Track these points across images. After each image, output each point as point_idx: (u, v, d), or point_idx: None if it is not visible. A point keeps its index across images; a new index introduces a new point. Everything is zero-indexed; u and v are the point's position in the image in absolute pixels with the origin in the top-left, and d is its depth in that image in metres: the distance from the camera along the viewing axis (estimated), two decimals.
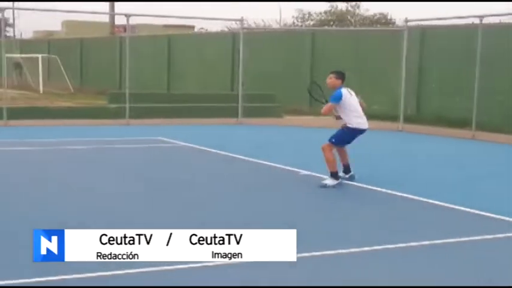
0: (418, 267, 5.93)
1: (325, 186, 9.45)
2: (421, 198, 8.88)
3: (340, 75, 10.01)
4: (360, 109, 9.99)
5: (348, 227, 7.42)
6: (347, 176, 10.03)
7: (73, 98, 27.88)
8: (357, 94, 10.22)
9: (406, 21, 19.12)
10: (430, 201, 8.74)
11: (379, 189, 9.51)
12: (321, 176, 10.20)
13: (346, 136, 9.88)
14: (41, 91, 31.18)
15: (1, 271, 5.41)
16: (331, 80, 9.94)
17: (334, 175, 9.54)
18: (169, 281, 5.25)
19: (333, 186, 9.44)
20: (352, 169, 10.14)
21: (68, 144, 13.86)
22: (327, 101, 9.98)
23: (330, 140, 9.75)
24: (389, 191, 9.35)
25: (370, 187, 9.66)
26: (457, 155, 14.20)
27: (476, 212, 8.14)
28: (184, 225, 7.03)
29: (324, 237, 6.92)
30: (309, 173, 10.75)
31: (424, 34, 20.98)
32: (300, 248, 6.26)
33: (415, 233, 7.09)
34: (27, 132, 15.83)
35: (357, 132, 9.93)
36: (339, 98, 9.74)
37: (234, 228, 4.74)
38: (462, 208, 8.32)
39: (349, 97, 9.88)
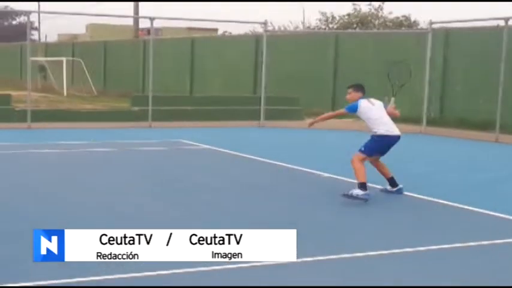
0: (437, 270, 5.84)
1: (350, 196, 8.67)
2: (444, 201, 8.80)
3: (359, 88, 9.70)
4: (386, 117, 9.44)
5: (370, 230, 7.35)
6: (394, 189, 9.35)
7: (96, 100, 28.02)
8: (388, 100, 9.88)
9: (431, 23, 18.96)
10: (453, 204, 8.65)
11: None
12: (343, 178, 10.18)
13: (376, 145, 9.24)
14: (65, 94, 31.39)
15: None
16: (350, 95, 9.64)
17: (362, 186, 8.72)
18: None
19: (362, 199, 8.64)
20: (398, 182, 9.41)
21: (90, 147, 13.89)
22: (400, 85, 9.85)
23: (360, 150, 9.18)
24: (411, 194, 9.26)
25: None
26: (480, 158, 14.06)
27: (500, 215, 8.04)
28: (200, 227, 7.03)
29: (348, 239, 6.88)
30: (330, 175, 10.67)
31: (448, 36, 20.81)
32: (325, 250, 6.30)
33: (436, 236, 7.01)
34: (50, 135, 15.89)
35: (388, 139, 9.27)
36: (353, 110, 9.49)
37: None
38: (485, 211, 8.24)
39: (371, 107, 9.41)
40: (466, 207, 8.47)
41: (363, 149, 9.20)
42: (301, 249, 6.16)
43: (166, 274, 5.30)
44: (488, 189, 10.14)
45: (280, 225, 7.28)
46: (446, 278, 5.65)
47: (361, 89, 9.68)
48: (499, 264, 6.19)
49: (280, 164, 11.92)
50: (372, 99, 9.57)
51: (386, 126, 9.31)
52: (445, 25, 21.14)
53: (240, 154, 13.14)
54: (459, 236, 7.06)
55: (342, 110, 9.86)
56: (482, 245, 6.73)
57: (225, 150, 13.63)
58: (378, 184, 9.58)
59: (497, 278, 5.74)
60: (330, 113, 10.41)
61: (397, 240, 6.85)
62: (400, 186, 9.38)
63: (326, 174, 10.78)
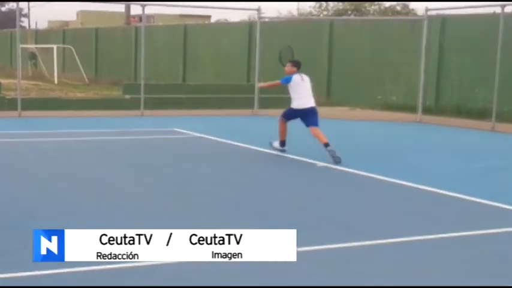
0: (434, 260, 5.68)
1: (271, 144, 11.86)
2: (440, 191, 8.64)
3: (296, 64, 11.55)
4: (306, 92, 11.47)
5: (366, 219, 7.18)
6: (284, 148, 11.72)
7: (88, 88, 27.76)
8: (311, 81, 11.73)
9: (426, 10, 18.74)
10: (449, 193, 8.50)
11: (397, 181, 9.28)
12: (338, 168, 10.08)
13: (292, 113, 11.63)
14: (56, 82, 31.07)
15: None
16: (288, 68, 11.52)
17: (282, 143, 11.71)
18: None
19: (280, 150, 11.65)
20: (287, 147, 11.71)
21: (81, 136, 13.68)
22: (283, 65, 11.56)
23: (281, 115, 11.76)
24: (406, 183, 9.10)
25: (387, 179, 9.42)
26: (476, 147, 13.89)
27: (496, 204, 7.91)
28: (194, 216, 6.90)
29: (343, 229, 6.72)
30: (325, 164, 10.50)
31: (444, 23, 20.58)
32: (319, 241, 6.13)
33: (432, 226, 6.85)
34: (41, 124, 15.67)
35: (301, 111, 11.48)
36: (287, 81, 11.45)
37: (243, 220, 4.46)
38: (483, 201, 8.09)
39: (299, 82, 11.42)
40: (461, 196, 8.31)
41: (283, 115, 11.72)
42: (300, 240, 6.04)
43: (165, 273, 5.19)
44: (485, 178, 9.98)
45: (277, 215, 7.14)
46: (442, 268, 5.49)
47: (297, 65, 11.57)
48: (500, 252, 6.06)
49: (276, 153, 11.74)
50: (304, 75, 11.55)
51: (302, 101, 11.44)
52: (441, 12, 20.92)
53: (234, 143, 12.96)
54: (456, 225, 6.95)
55: (278, 81, 11.74)
56: (479, 235, 6.61)
57: (219, 139, 13.45)
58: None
59: (499, 266, 5.58)
60: (270, 83, 12.26)
61: (392, 230, 6.68)
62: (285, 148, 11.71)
63: (321, 164, 10.60)
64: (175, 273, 5.16)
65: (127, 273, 5.13)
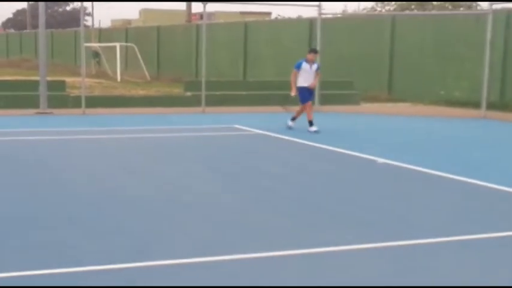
0: (500, 258, 5.53)
1: (287, 125, 14.58)
2: (505, 188, 8.43)
3: (310, 51, 14.54)
4: (310, 76, 14.19)
5: (430, 216, 7.02)
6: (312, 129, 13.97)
7: (150, 86, 28.03)
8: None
9: (491, 3, 18.32)
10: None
11: (461, 178, 9.08)
12: (399, 164, 9.96)
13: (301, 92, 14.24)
14: (119, 79, 31.50)
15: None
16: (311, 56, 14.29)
17: (293, 119, 14.56)
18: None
19: (289, 127, 14.35)
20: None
21: (143, 133, 13.81)
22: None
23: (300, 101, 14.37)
24: (471, 180, 8.91)
25: (452, 176, 9.22)
26: None
27: None
28: (254, 211, 6.88)
29: (408, 226, 6.60)
30: (386, 161, 10.37)
31: (509, 17, 20.10)
32: (379, 237, 6.04)
33: (497, 224, 6.69)
34: (105, 121, 15.88)
35: (304, 88, 14.17)
36: (297, 67, 14.20)
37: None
38: None
39: (308, 69, 14.11)
40: None
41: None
42: (366, 237, 5.97)
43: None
44: None
45: (338, 209, 7.06)
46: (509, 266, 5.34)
47: (311, 52, 14.44)
48: None
49: (337, 150, 11.64)
50: (314, 65, 14.26)
51: (305, 83, 14.15)
52: (506, 5, 20.43)
53: (295, 139, 12.90)
54: None
55: (293, 71, 14.27)
56: None
57: (280, 136, 13.41)
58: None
59: None
60: (292, 77, 14.38)
61: (456, 227, 6.51)
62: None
63: (381, 160, 10.47)
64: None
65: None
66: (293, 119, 14.54)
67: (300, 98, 14.38)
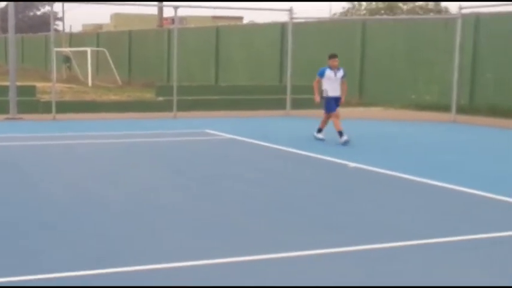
0: (469, 261, 5.60)
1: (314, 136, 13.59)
2: (474, 191, 8.52)
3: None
4: (334, 84, 13.32)
5: (399, 220, 7.10)
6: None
7: (121, 91, 27.92)
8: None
9: (460, 8, 18.51)
10: (483, 193, 8.39)
11: (430, 181, 9.16)
12: (370, 168, 10.01)
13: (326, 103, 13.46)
14: (90, 84, 31.33)
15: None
16: (337, 62, 13.48)
17: (319, 130, 13.62)
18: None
19: (319, 139, 13.40)
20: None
21: (114, 138, 13.75)
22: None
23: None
24: (440, 184, 8.98)
25: (421, 179, 9.30)
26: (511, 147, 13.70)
27: None
28: (226, 215, 6.89)
29: (378, 230, 6.63)
30: (357, 165, 10.42)
31: (478, 21, 20.31)
32: (350, 241, 6.07)
33: (466, 227, 6.76)
34: (75, 126, 15.78)
35: (330, 98, 13.34)
36: (320, 74, 13.40)
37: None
38: None
39: (331, 77, 13.26)
40: (497, 197, 8.18)
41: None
42: (337, 240, 6.00)
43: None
44: None
45: (310, 213, 7.08)
46: (478, 268, 5.41)
47: (331, 58, 13.52)
48: None
49: (309, 154, 11.68)
50: (339, 71, 13.44)
51: (331, 92, 13.30)
52: (475, 10, 20.65)
53: (266, 144, 12.91)
54: (489, 226, 6.85)
55: (316, 78, 13.49)
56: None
57: (251, 140, 13.41)
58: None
59: None
60: (315, 84, 13.63)
61: (425, 230, 6.56)
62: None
63: (352, 164, 10.52)
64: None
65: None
66: (319, 130, 13.57)
67: (325, 107, 13.48)
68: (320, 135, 13.50)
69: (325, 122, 13.56)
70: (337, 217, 7.26)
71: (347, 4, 38.39)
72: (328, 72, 13.32)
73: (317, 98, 13.50)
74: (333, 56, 13.51)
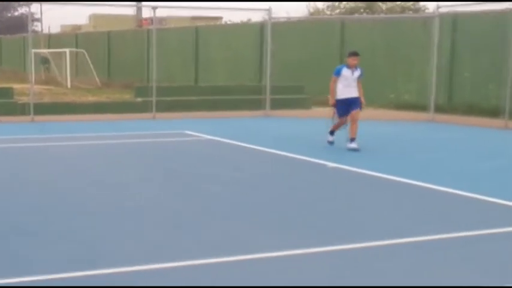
0: (447, 260, 5.62)
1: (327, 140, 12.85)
2: (452, 190, 8.56)
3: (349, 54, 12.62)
4: (351, 85, 12.41)
5: (377, 219, 7.11)
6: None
7: (100, 92, 27.76)
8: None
9: (438, 7, 18.60)
10: (461, 192, 8.44)
11: (409, 181, 9.21)
12: (349, 168, 10.03)
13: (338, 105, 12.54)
14: (69, 86, 31.14)
15: None
16: (357, 61, 12.43)
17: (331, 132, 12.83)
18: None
19: (329, 141, 12.79)
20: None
21: (93, 140, 13.68)
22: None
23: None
24: (419, 183, 9.02)
25: (400, 179, 9.36)
26: (489, 145, 13.77)
27: (509, 203, 7.85)
28: (205, 216, 6.87)
29: (356, 230, 6.65)
30: (336, 165, 10.45)
31: (456, 20, 20.43)
32: (329, 241, 6.08)
33: (445, 226, 6.78)
34: (53, 128, 15.68)
35: (342, 100, 12.43)
36: (337, 73, 12.45)
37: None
38: (494, 199, 8.02)
39: (348, 77, 12.34)
40: (475, 195, 8.23)
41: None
42: (312, 241, 5.99)
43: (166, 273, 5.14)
44: (498, 177, 9.88)
45: (285, 215, 7.08)
46: (456, 267, 5.44)
47: (350, 56, 12.50)
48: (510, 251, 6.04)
49: (288, 154, 11.69)
50: (357, 71, 12.43)
51: (344, 93, 12.39)
52: (452, 9, 20.75)
53: (245, 145, 12.91)
54: (468, 224, 6.92)
55: (333, 77, 12.49)
56: (492, 233, 6.56)
57: (230, 141, 13.40)
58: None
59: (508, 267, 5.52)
60: (331, 85, 12.53)
61: (404, 230, 6.59)
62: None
63: (332, 164, 10.54)
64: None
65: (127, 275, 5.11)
66: (331, 132, 12.75)
67: (336, 110, 12.60)
68: (330, 138, 12.80)
69: (338, 126, 12.72)
70: (317, 217, 7.27)
71: (325, 3, 38.41)
72: (345, 71, 12.36)
73: (332, 101, 12.54)
74: (353, 54, 12.44)
